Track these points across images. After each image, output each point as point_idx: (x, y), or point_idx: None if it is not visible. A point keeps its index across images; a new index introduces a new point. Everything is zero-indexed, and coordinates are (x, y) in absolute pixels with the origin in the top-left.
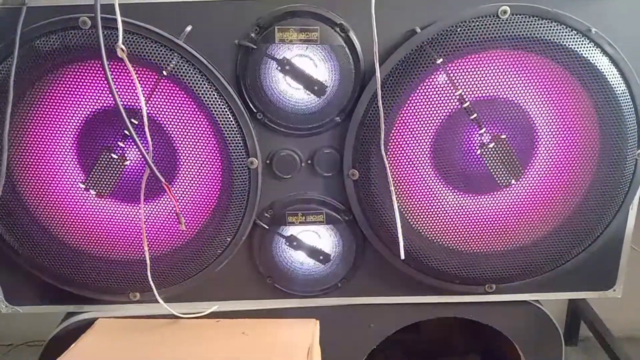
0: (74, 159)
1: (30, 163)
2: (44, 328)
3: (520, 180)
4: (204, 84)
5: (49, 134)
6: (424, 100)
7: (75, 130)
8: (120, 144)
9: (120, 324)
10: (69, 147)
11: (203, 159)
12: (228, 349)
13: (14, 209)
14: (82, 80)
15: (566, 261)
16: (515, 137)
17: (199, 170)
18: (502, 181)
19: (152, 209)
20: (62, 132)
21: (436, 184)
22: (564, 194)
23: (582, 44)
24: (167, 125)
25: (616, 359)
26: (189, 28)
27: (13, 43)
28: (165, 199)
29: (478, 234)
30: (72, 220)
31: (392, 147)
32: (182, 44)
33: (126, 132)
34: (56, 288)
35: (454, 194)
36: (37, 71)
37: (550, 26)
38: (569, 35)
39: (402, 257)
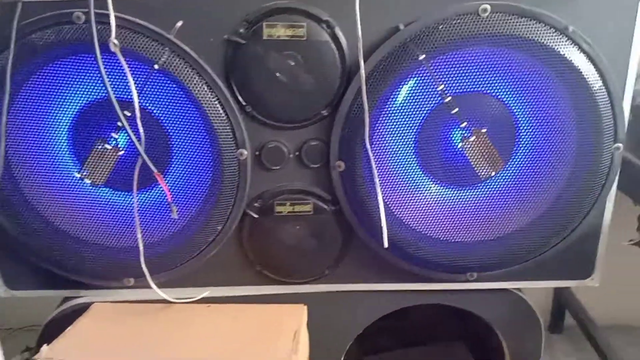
0: (69, 149)
1: (26, 153)
2: (41, 313)
3: (501, 172)
4: (194, 78)
5: (45, 125)
6: (407, 94)
7: (70, 121)
8: (114, 135)
9: (115, 308)
10: (64, 138)
11: (194, 150)
12: (218, 332)
13: (12, 197)
14: (77, 73)
15: (545, 251)
16: (495, 131)
17: (190, 161)
18: (483, 173)
19: (145, 198)
20: (58, 123)
21: (419, 175)
22: (543, 186)
23: (559, 42)
24: (159, 117)
25: (598, 347)
26: (179, 23)
27: (9, 37)
28: (158, 188)
29: (460, 224)
30: (67, 208)
31: (376, 139)
32: (173, 39)
33: (119, 123)
34: (53, 273)
35: (437, 185)
36: (32, 64)
37: (529, 24)
38: (547, 33)
39: (385, 245)
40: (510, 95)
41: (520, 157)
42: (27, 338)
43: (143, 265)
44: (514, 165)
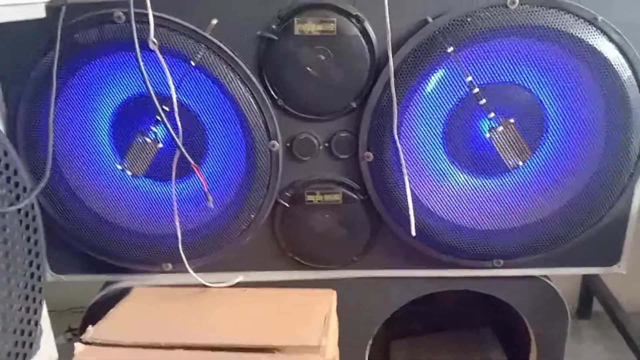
0: (111, 142)
1: (71, 146)
2: (82, 297)
3: (528, 161)
4: (229, 73)
5: (88, 119)
6: (435, 86)
7: (111, 115)
8: (153, 129)
9: (155, 292)
10: (107, 131)
11: (228, 142)
12: (251, 315)
13: (58, 188)
14: (118, 70)
15: (572, 239)
16: (523, 121)
17: (225, 152)
18: (510, 163)
19: (183, 187)
20: (100, 117)
21: (447, 165)
22: (570, 175)
23: (588, 32)
24: (195, 110)
25: (626, 333)
26: (214, 21)
27: (55, 37)
28: (195, 178)
29: (486, 212)
30: (110, 198)
31: (405, 130)
32: (208, 36)
33: (158, 117)
34: (96, 259)
35: (464, 174)
36: (76, 62)
37: (558, 15)
38: (575, 24)
39: (414, 234)
40: (539, 86)
41: (548, 146)
42: (69, 319)
43: (181, 252)
44: (542, 155)
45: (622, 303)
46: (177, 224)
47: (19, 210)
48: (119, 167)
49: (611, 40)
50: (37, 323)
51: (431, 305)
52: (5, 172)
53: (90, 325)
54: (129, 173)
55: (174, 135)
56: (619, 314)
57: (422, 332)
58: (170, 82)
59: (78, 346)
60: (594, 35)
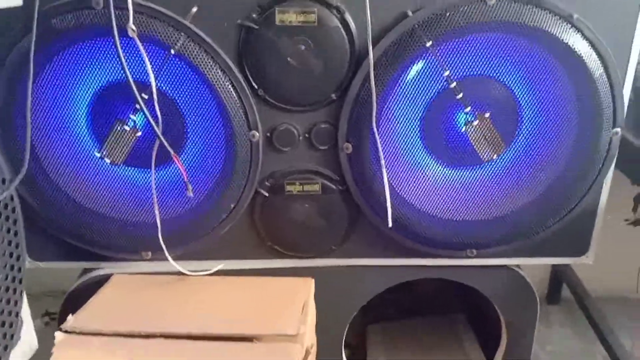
0: (89, 129)
1: (49, 133)
2: (61, 281)
3: (503, 155)
4: (209, 62)
5: (66, 106)
6: (414, 79)
7: (90, 102)
8: (132, 117)
9: (134, 279)
10: (85, 118)
11: (208, 131)
12: (230, 303)
13: (36, 175)
14: (96, 56)
15: (543, 230)
16: (498, 116)
17: (205, 142)
18: (485, 157)
19: (162, 176)
20: (78, 103)
21: (424, 157)
22: (542, 168)
23: (564, 29)
24: (175, 99)
25: (591, 318)
26: (194, 9)
27: (31, 21)
28: (175, 166)
29: (461, 203)
30: (89, 185)
31: (383, 122)
32: (188, 25)
33: (137, 106)
34: (74, 246)
35: (441, 166)
36: (54, 47)
37: (535, 12)
38: (551, 21)
39: (390, 225)
40: (514, 81)
41: (522, 139)
42: (45, 303)
43: (161, 241)
44: (516, 148)
45: (589, 289)
46: (157, 212)
47: None
48: (97, 154)
49: (585, 38)
50: (17, 314)
51: (406, 291)
52: None
53: (70, 314)
54: (108, 161)
55: (154, 124)
56: (586, 299)
57: (397, 318)
58: (150, 71)
59: (58, 335)
60: (569, 32)
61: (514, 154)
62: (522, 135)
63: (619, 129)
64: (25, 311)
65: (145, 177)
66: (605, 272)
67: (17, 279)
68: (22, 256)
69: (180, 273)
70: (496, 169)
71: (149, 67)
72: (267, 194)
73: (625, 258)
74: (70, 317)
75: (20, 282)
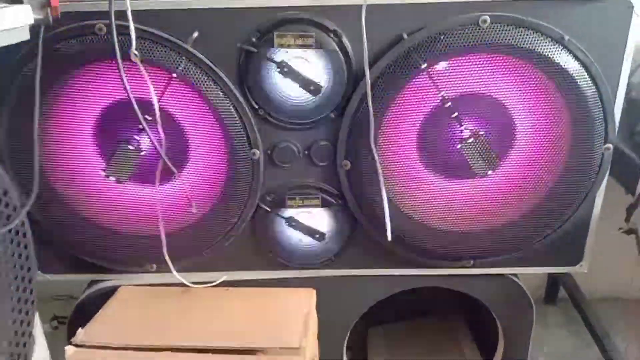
0: (95, 150)
1: (57, 153)
2: (68, 285)
3: (498, 169)
4: (210, 84)
5: (72, 128)
6: (409, 99)
7: (95, 124)
8: (136, 137)
9: (141, 291)
10: (91, 139)
11: (211, 150)
12: (234, 315)
13: (45, 193)
14: (100, 79)
15: (538, 241)
16: (492, 133)
17: (208, 160)
18: (480, 172)
19: (167, 191)
20: (84, 125)
21: (421, 171)
22: (537, 182)
23: (555, 51)
24: (178, 119)
25: (587, 319)
26: (195, 34)
27: (37, 46)
28: (179, 183)
29: (458, 216)
30: (96, 202)
31: (381, 140)
32: (189, 49)
33: (141, 127)
34: (81, 259)
35: (438, 180)
36: (58, 71)
37: (527, 34)
38: (543, 42)
39: (389, 239)
40: (508, 98)
41: (516, 154)
42: (53, 307)
43: (165, 255)
44: (511, 162)
45: (585, 290)
46: (162, 227)
47: (10, 229)
48: (103, 173)
49: (576, 58)
50: (30, 334)
51: (406, 294)
52: None
53: (80, 327)
54: (113, 179)
55: (157, 145)
56: (582, 302)
57: (398, 320)
58: (153, 94)
59: (69, 349)
60: (560, 53)
61: (509, 168)
62: (516, 150)
63: (610, 145)
64: (38, 329)
65: (150, 192)
66: (601, 275)
67: (29, 301)
68: (33, 278)
69: (184, 284)
70: (492, 182)
71: (152, 90)
72: (268, 209)
73: (620, 262)
74: (80, 330)
75: (32, 304)
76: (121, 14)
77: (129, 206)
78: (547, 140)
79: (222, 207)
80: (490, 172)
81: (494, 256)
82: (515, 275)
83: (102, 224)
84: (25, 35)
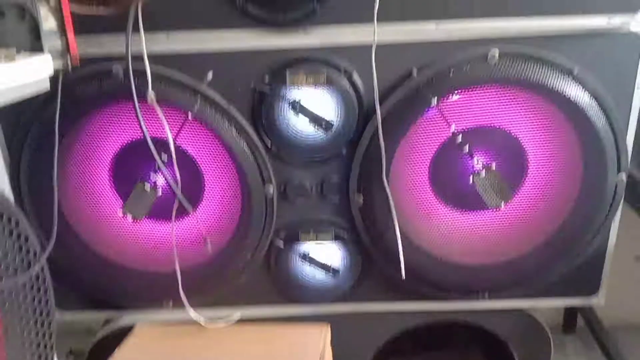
0: (112, 189)
1: (75, 193)
2: (85, 319)
3: (511, 201)
4: (224, 123)
5: (90, 168)
6: (420, 134)
7: (112, 163)
8: (153, 176)
9: (157, 329)
10: (108, 179)
11: (225, 187)
12: (251, 354)
13: (63, 233)
14: (117, 120)
15: (553, 273)
16: (504, 166)
17: (222, 196)
18: (493, 205)
19: (181, 229)
20: (101, 165)
21: (434, 205)
22: (551, 214)
23: (565, 83)
24: (194, 157)
25: (605, 348)
26: (210, 75)
27: (56, 92)
28: (194, 220)
29: (472, 249)
30: (113, 240)
31: (393, 174)
32: (204, 89)
33: (157, 166)
34: (98, 297)
35: (451, 213)
36: (77, 114)
37: (536, 67)
38: (553, 76)
39: (403, 276)
40: (519, 130)
41: (529, 186)
42: (70, 341)
43: (181, 292)
44: (523, 194)
45: (603, 318)
46: (177, 265)
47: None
48: (120, 212)
49: (587, 90)
50: None
51: (423, 327)
52: (17, 241)
53: None
54: (130, 218)
55: (173, 184)
56: (600, 330)
57: (414, 353)
58: (169, 134)
59: None
60: (570, 86)
61: (522, 200)
62: (529, 182)
63: (624, 174)
64: None
65: (166, 229)
66: (619, 303)
67: (49, 345)
68: (52, 322)
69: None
70: (505, 214)
71: (168, 131)
72: (282, 244)
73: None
74: None
75: (52, 348)
76: (138, 57)
77: (145, 244)
78: (559, 171)
79: (237, 243)
80: (503, 205)
81: (509, 289)
82: (531, 308)
83: (119, 262)
84: (46, 86)
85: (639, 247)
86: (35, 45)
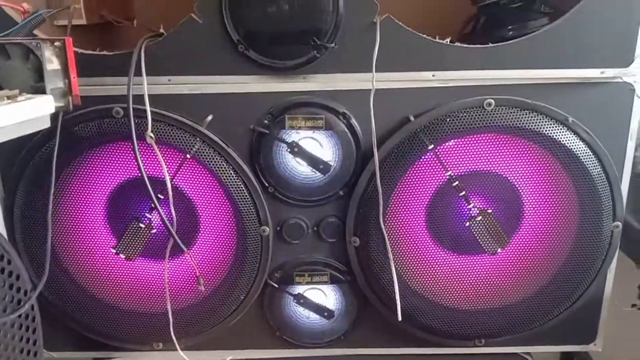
0: (106, 227)
1: (68, 230)
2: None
3: (507, 246)
4: (222, 164)
5: (84, 206)
6: (417, 178)
7: (108, 202)
8: (148, 215)
9: None
10: (102, 217)
11: (221, 226)
12: None
13: (55, 272)
14: (114, 159)
15: (549, 319)
16: (501, 211)
17: (217, 236)
18: (489, 250)
19: (175, 267)
20: (96, 203)
21: (430, 248)
22: (547, 260)
23: (560, 132)
24: (190, 196)
25: None
26: (210, 117)
27: (55, 129)
28: (187, 259)
29: (469, 293)
30: (104, 279)
31: (389, 217)
32: (203, 130)
33: (153, 205)
34: (87, 336)
35: (447, 257)
36: (74, 152)
37: (531, 116)
38: (548, 124)
39: (399, 319)
40: (515, 178)
41: (525, 232)
42: None
43: (172, 333)
44: (519, 240)
45: None
46: (169, 305)
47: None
48: (114, 250)
49: (581, 139)
50: None
51: None
52: (8, 279)
53: None
54: (123, 256)
55: (168, 225)
56: None
57: None
58: (166, 174)
59: None
60: (565, 134)
61: (518, 246)
62: (525, 228)
63: (619, 223)
64: None
65: (158, 268)
66: (616, 348)
67: None
68: None
69: None
70: (501, 259)
71: (165, 172)
72: (276, 285)
73: (635, 335)
74: None
75: None
76: (138, 98)
77: (137, 283)
78: (555, 218)
79: (230, 284)
80: (499, 249)
81: (505, 335)
82: (528, 353)
83: (109, 301)
84: (46, 124)
85: (635, 294)
86: (38, 85)
